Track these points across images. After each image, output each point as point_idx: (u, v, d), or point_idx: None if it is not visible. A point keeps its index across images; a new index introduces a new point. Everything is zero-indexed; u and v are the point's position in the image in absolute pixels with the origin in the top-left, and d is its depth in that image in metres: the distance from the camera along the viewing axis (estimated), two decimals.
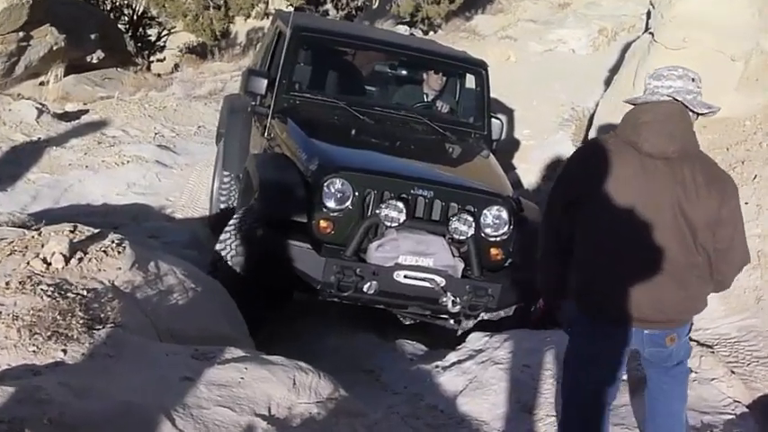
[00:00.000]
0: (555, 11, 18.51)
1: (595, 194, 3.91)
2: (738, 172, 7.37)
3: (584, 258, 4.03)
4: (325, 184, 6.36)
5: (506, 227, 6.59)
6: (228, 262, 6.46)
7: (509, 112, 12.26)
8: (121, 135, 12.65)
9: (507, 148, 10.87)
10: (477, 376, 5.73)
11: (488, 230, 6.57)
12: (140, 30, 24.79)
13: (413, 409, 5.46)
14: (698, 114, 3.97)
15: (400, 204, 6.28)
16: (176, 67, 23.39)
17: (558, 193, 4.17)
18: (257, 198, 6.58)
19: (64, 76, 17.39)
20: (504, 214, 6.59)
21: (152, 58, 24.52)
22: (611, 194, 3.89)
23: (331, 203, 6.37)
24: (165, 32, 26.11)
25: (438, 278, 6.28)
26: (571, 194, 4.04)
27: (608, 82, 10.85)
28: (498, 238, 6.60)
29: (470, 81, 8.50)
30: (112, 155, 11.58)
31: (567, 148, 10.43)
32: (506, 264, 6.71)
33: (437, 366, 6.08)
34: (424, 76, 8.36)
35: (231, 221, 6.70)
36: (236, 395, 4.28)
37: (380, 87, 8.84)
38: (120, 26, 23.06)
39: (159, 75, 20.76)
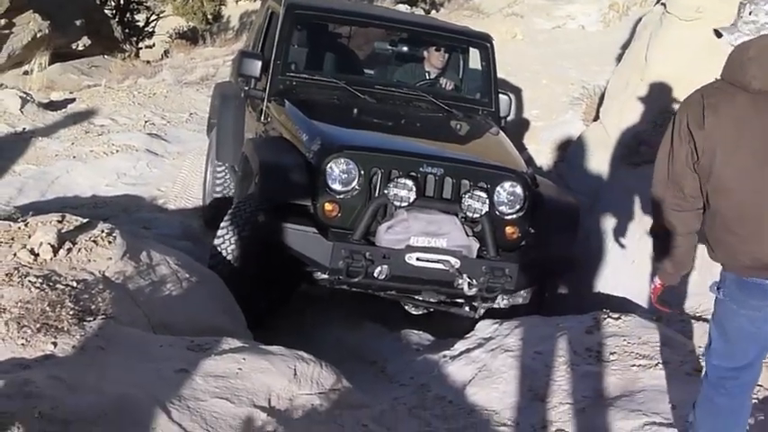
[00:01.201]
0: None
1: (713, 142, 3.80)
2: None
3: (716, 210, 3.89)
4: (329, 164, 6.26)
5: (521, 203, 6.51)
6: (229, 255, 6.41)
7: (517, 92, 12.21)
8: (110, 124, 12.67)
9: (516, 129, 10.85)
10: (486, 365, 5.71)
11: (503, 208, 6.48)
12: (128, 15, 24.87)
13: (420, 400, 5.46)
14: None
15: (410, 182, 6.19)
16: (166, 53, 23.44)
17: (673, 148, 3.96)
18: (257, 182, 6.48)
19: (49, 65, 17.46)
20: (519, 190, 6.50)
21: (141, 45, 24.61)
22: (728, 140, 3.78)
23: (336, 185, 6.26)
24: (153, 17, 26.13)
25: (452, 259, 6.19)
26: (688, 147, 3.89)
27: (620, 59, 10.81)
28: (513, 216, 6.51)
29: (474, 56, 8.45)
30: (101, 144, 11.59)
31: (577, 128, 10.44)
32: (522, 243, 6.65)
33: (445, 356, 6.06)
34: (425, 53, 8.29)
35: (229, 212, 6.64)
36: (234, 386, 4.31)
37: (380, 66, 8.80)
38: (106, 12, 23.10)
39: (148, 61, 20.82)
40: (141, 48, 24.49)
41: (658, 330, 5.80)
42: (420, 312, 7.02)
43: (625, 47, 10.75)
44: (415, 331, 7.02)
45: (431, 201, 6.35)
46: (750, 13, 3.82)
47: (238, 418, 4.12)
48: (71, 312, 4.46)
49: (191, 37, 25.37)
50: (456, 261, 6.19)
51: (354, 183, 6.28)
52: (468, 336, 6.30)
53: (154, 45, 25.26)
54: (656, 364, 5.37)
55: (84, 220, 5.64)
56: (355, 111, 7.42)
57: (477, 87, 8.34)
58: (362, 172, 6.28)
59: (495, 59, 8.25)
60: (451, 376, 5.77)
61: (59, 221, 5.47)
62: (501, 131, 7.77)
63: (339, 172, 6.27)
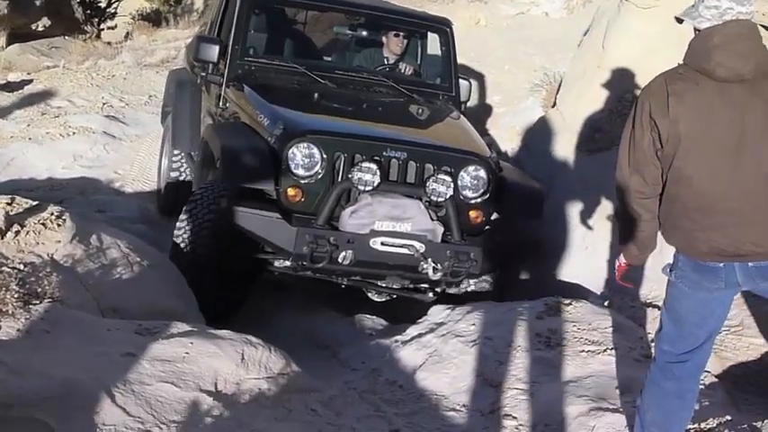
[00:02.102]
0: None
1: (677, 131, 3.84)
2: None
3: (675, 197, 3.95)
4: (292, 149, 6.21)
5: (485, 187, 6.51)
6: (190, 246, 6.34)
7: (480, 78, 12.28)
8: (67, 105, 12.59)
9: (478, 115, 10.90)
10: (437, 350, 5.75)
11: (467, 192, 6.47)
12: None
13: (371, 385, 5.49)
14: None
15: (374, 166, 6.16)
16: (128, 35, 23.23)
17: (635, 136, 4.00)
18: (219, 167, 6.45)
19: (7, 46, 17.27)
20: (483, 174, 6.50)
21: (102, 26, 24.38)
22: (693, 128, 3.82)
23: (299, 170, 6.21)
24: None
25: (417, 244, 6.18)
26: (650, 135, 3.93)
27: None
28: (477, 200, 6.51)
29: (434, 41, 8.47)
30: (57, 126, 11.52)
31: (536, 114, 10.45)
32: (486, 227, 6.68)
33: (397, 341, 6.08)
34: (384, 39, 8.25)
35: (189, 200, 6.56)
36: (180, 370, 4.32)
37: (340, 51, 8.79)
38: None
39: (109, 43, 20.65)
40: (103, 29, 24.27)
41: (609, 316, 5.87)
42: (383, 299, 7.00)
43: (586, 34, 10.80)
44: (369, 316, 7.05)
45: (395, 185, 6.33)
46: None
47: (184, 402, 4.13)
48: (16, 295, 4.44)
49: (154, 19, 25.19)
50: (421, 245, 6.19)
51: (317, 167, 6.23)
52: (420, 321, 6.34)
53: (116, 27, 25.03)
54: (606, 350, 5.44)
55: (34, 203, 5.61)
56: (316, 95, 7.35)
57: (437, 72, 8.36)
58: (325, 156, 6.24)
59: (454, 44, 8.25)
60: (403, 361, 5.79)
61: (8, 204, 5.43)
62: (462, 116, 7.78)
63: (302, 156, 6.22)
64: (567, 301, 6.04)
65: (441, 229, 6.29)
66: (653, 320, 5.90)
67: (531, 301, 6.24)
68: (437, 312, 6.33)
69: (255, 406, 4.38)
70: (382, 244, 6.16)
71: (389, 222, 6.17)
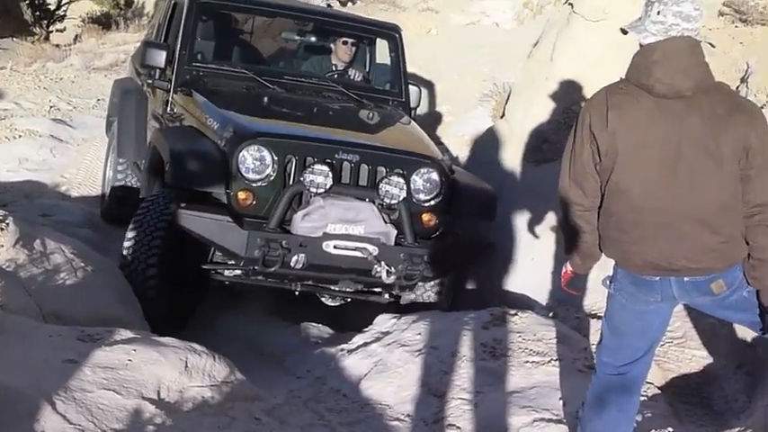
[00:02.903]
0: None
1: (615, 145, 3.86)
2: None
3: (612, 210, 3.97)
4: (243, 152, 6.14)
5: (438, 190, 6.51)
6: (140, 256, 6.15)
7: (430, 87, 12.31)
8: (14, 108, 12.48)
9: (428, 124, 10.89)
10: (382, 359, 5.75)
11: (420, 195, 6.47)
12: None
13: (315, 393, 5.48)
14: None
15: (326, 168, 6.10)
16: (77, 37, 23.02)
17: (575, 148, 4.02)
18: (168, 171, 6.28)
19: None
20: (436, 176, 6.50)
21: (51, 28, 24.14)
22: (630, 143, 3.84)
23: (250, 173, 6.14)
24: (65, 1, 25.64)
25: (370, 246, 6.14)
26: (590, 148, 3.94)
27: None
28: (430, 203, 6.51)
29: (382, 48, 8.45)
30: (3, 129, 11.43)
31: (485, 124, 10.48)
32: (439, 230, 6.65)
33: (342, 349, 6.07)
34: (332, 46, 8.23)
35: (138, 210, 6.39)
36: (122, 378, 4.28)
37: (287, 58, 8.75)
38: None
39: (58, 45, 20.44)
40: (52, 31, 24.04)
41: (554, 327, 5.91)
42: (338, 303, 6.95)
43: (536, 45, 10.87)
44: (314, 324, 7.03)
45: (347, 188, 6.29)
46: (658, 13, 3.86)
47: (125, 409, 4.10)
48: None
49: (104, 22, 24.95)
50: (374, 248, 6.15)
51: (268, 170, 6.17)
52: (366, 330, 6.33)
53: (65, 29, 24.77)
54: (550, 361, 5.47)
55: None
56: (265, 100, 7.17)
57: (386, 78, 8.34)
58: (276, 159, 6.18)
59: (404, 50, 8.26)
60: (348, 369, 5.79)
61: None
62: (413, 121, 7.79)
63: (252, 159, 6.15)
64: (513, 312, 6.07)
65: (394, 232, 6.24)
66: (596, 332, 5.91)
67: (476, 310, 6.25)
68: (383, 321, 6.33)
69: (198, 414, 4.36)
70: (335, 247, 6.11)
71: (342, 225, 6.12)
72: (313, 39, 8.51)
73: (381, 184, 6.25)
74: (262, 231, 6.04)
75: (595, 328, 6.05)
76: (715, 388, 5.52)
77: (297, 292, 6.65)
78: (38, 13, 23.55)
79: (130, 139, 8.44)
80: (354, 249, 6.15)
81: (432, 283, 6.92)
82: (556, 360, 5.49)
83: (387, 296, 6.81)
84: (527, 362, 5.49)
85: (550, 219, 7.26)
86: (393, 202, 6.25)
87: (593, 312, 6.50)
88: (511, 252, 7.60)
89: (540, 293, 7.15)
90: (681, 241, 3.84)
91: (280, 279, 6.45)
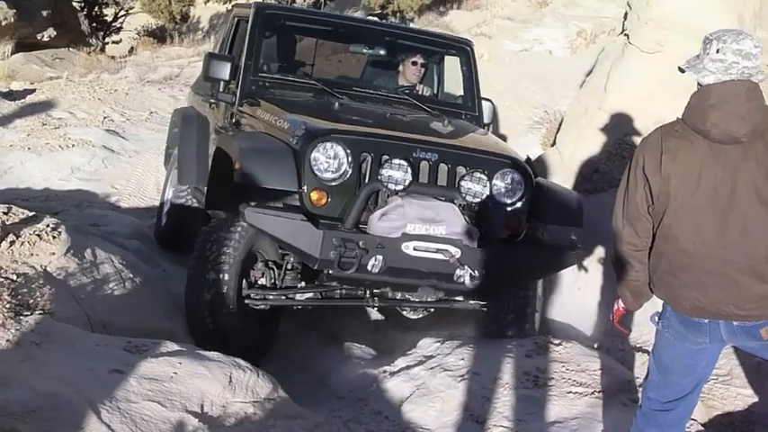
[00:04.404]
0: (533, 9, 18.66)
1: (667, 189, 3.87)
2: None
3: (662, 252, 3.98)
4: (316, 148, 5.82)
5: (522, 192, 6.16)
6: (211, 274, 5.82)
7: None
8: (68, 117, 12.63)
9: None
10: (425, 382, 5.73)
11: (502, 197, 6.13)
12: (96, 9, 24.67)
13: (356, 414, 5.47)
14: None
15: (404, 163, 5.82)
16: (132, 49, 23.31)
17: (629, 189, 4.04)
18: (236, 169, 5.87)
19: (12, 54, 17.30)
20: (519, 177, 6.16)
21: (107, 40, 24.48)
22: (682, 188, 3.84)
23: (323, 171, 5.83)
24: (122, 13, 25.99)
25: (452, 248, 5.70)
26: (643, 190, 3.96)
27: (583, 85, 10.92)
28: (514, 206, 6.16)
29: (450, 66, 8.23)
30: (57, 137, 11.56)
31: (535, 151, 10.48)
32: (522, 236, 6.28)
33: (385, 371, 6.06)
34: (400, 67, 7.90)
35: (207, 227, 6.22)
36: (167, 390, 4.31)
37: (354, 71, 8.49)
38: (74, 4, 22.92)
39: (113, 57, 20.70)
40: (108, 43, 24.37)
41: (598, 358, 5.86)
42: (419, 316, 6.60)
43: (589, 74, 10.85)
44: (358, 345, 7.00)
45: (426, 187, 5.96)
46: (717, 51, 3.83)
47: (169, 422, 4.12)
48: (8, 306, 4.44)
49: (159, 35, 25.27)
50: (456, 250, 5.71)
51: (343, 169, 5.86)
52: (409, 352, 6.30)
53: (121, 41, 25.12)
54: (593, 392, 5.43)
55: (31, 213, 5.63)
56: (336, 106, 6.89)
57: (459, 92, 8.08)
58: (351, 157, 5.87)
59: (476, 63, 8.06)
60: (390, 392, 5.78)
61: (5, 213, 5.46)
62: (489, 132, 7.57)
63: (326, 157, 5.84)
64: (557, 341, 6.04)
65: (477, 234, 5.84)
66: (641, 365, 5.91)
67: (520, 338, 6.22)
68: (426, 345, 6.30)
69: (240, 429, 4.38)
70: (415, 249, 5.68)
71: (422, 225, 5.72)
72: (382, 52, 8.08)
73: (463, 182, 5.96)
74: (337, 231, 5.66)
75: (640, 361, 6.02)
76: (759, 427, 5.46)
77: (375, 308, 6.46)
78: (94, 24, 23.88)
79: (192, 164, 8.11)
80: (435, 251, 5.71)
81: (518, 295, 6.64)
82: (599, 392, 5.45)
83: (471, 302, 6.42)
84: (569, 392, 5.45)
85: (599, 250, 7.22)
86: (475, 200, 5.97)
87: (638, 345, 6.46)
88: (557, 281, 7.56)
89: (585, 324, 7.09)
90: (730, 288, 3.81)
91: (355, 286, 6.12)
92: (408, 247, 5.67)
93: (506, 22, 17.65)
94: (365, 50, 8.11)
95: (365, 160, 5.92)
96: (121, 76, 16.25)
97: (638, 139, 7.98)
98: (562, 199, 6.66)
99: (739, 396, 5.72)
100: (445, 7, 21.76)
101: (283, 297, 6.11)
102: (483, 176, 5.98)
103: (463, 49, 8.14)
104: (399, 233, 5.66)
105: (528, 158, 6.75)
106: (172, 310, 5.90)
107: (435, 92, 8.32)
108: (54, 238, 5.37)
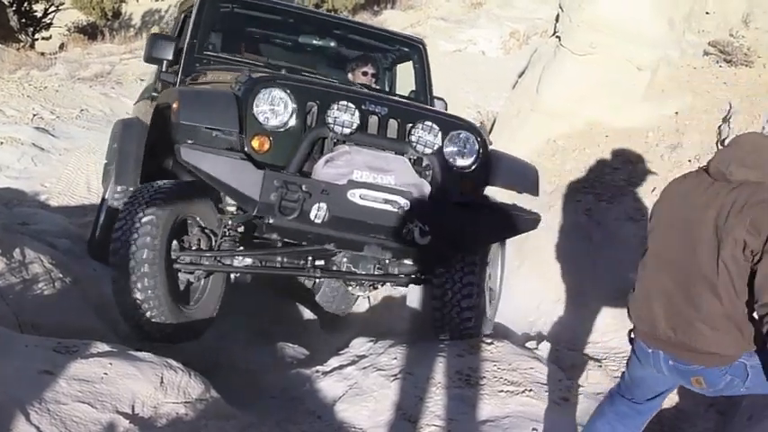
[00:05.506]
0: (467, 10, 18.74)
1: (654, 215, 4.11)
2: (638, 184, 7.59)
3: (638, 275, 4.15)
4: (260, 92, 5.47)
5: (476, 154, 5.85)
6: (138, 231, 5.37)
7: None
8: None
9: None
10: (358, 382, 5.74)
11: (455, 159, 5.82)
12: (25, 4, 24.30)
13: (289, 414, 5.46)
14: None
15: (352, 106, 5.47)
16: (63, 46, 23.02)
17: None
18: (175, 110, 5.49)
19: None
20: (473, 139, 5.84)
21: (37, 36, 24.14)
22: (663, 213, 4.03)
23: (267, 118, 5.46)
24: (52, 8, 25.64)
25: (401, 200, 5.41)
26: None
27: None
28: (468, 168, 5.85)
29: (406, 67, 8.08)
30: None
31: None
32: (474, 198, 5.94)
33: (317, 371, 6.06)
34: (350, 75, 7.43)
35: (126, 200, 5.70)
36: (98, 391, 4.26)
37: (304, 61, 7.95)
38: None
39: (43, 53, 20.43)
40: (37, 39, 24.05)
41: (529, 357, 5.92)
42: (366, 293, 6.54)
43: (522, 75, 10.95)
44: (290, 345, 7.02)
45: (375, 138, 5.65)
46: None
47: (100, 423, 4.08)
48: None
49: (90, 32, 24.99)
50: (405, 202, 5.43)
51: (287, 116, 5.50)
52: (342, 352, 6.32)
53: (51, 37, 24.79)
54: (524, 391, 5.47)
55: None
56: (283, 71, 6.45)
57: (411, 91, 7.85)
58: (296, 104, 5.51)
59: (428, 63, 7.96)
60: (323, 391, 5.78)
61: None
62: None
63: (270, 103, 5.48)
64: (488, 340, 6.08)
65: (428, 187, 5.59)
66: (572, 366, 5.99)
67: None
68: (359, 344, 6.32)
69: (172, 430, 4.35)
70: (361, 197, 5.36)
71: (370, 173, 5.45)
72: (332, 44, 7.83)
73: (414, 131, 5.64)
74: (279, 173, 5.32)
75: (571, 361, 6.09)
76: (687, 426, 5.56)
77: (318, 279, 6.19)
78: (24, 20, 23.52)
79: (129, 165, 7.63)
80: (383, 202, 5.41)
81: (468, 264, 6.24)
82: (530, 390, 5.49)
83: (420, 275, 6.26)
84: (501, 391, 5.49)
85: (527, 248, 7.30)
86: (427, 151, 5.67)
87: (569, 346, 6.54)
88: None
89: (517, 324, 7.17)
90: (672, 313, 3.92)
91: (297, 238, 5.75)
92: (354, 195, 5.37)
93: (440, 22, 17.74)
94: (315, 41, 7.84)
95: (311, 110, 5.59)
96: (51, 72, 16.04)
97: (569, 141, 8.11)
98: (518, 166, 6.44)
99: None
100: (379, 7, 21.82)
101: (218, 262, 5.81)
102: (435, 126, 5.68)
103: (416, 47, 8.06)
104: (345, 180, 5.38)
105: (482, 124, 6.62)
106: (102, 310, 5.83)
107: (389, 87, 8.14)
108: None
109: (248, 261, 5.87)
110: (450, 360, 5.82)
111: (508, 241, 6.95)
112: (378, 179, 5.45)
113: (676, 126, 8.14)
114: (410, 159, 5.65)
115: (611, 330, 6.58)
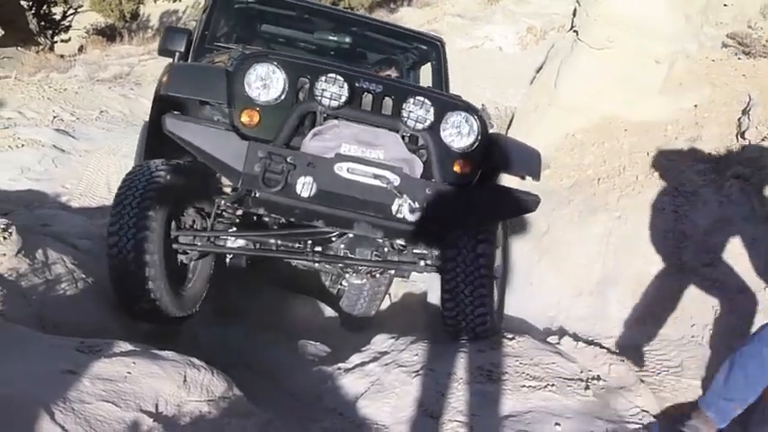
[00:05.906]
0: (483, 6, 18.72)
1: None
2: (657, 177, 7.55)
3: None
4: (252, 67, 5.39)
5: (474, 136, 5.64)
6: (136, 212, 5.42)
7: None
8: (17, 117, 12.51)
9: None
10: (379, 379, 5.75)
11: (452, 140, 5.62)
12: (44, 7, 24.41)
13: (311, 411, 5.48)
14: None
15: (341, 78, 5.35)
16: (82, 48, 23.12)
17: None
18: (164, 82, 5.48)
19: None
20: (472, 120, 5.65)
21: (56, 38, 24.26)
22: None
23: (256, 91, 5.37)
24: (71, 11, 25.74)
25: (391, 175, 5.31)
26: None
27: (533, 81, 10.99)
28: (465, 150, 5.65)
29: (425, 59, 8.08)
30: (6, 137, 11.45)
31: None
32: (473, 182, 5.75)
33: (339, 368, 6.08)
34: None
35: (121, 185, 5.73)
36: (121, 390, 4.27)
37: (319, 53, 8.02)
38: (22, 3, 22.67)
39: (62, 56, 20.52)
40: (56, 41, 24.17)
41: (551, 352, 5.91)
42: (363, 281, 6.48)
43: (539, 71, 10.92)
44: (312, 342, 7.03)
45: (367, 113, 5.53)
46: None
47: (123, 422, 4.09)
48: None
49: (108, 34, 25.10)
50: (395, 177, 5.33)
51: (278, 92, 5.39)
52: (363, 349, 6.33)
53: (69, 39, 24.92)
54: (546, 386, 5.46)
55: None
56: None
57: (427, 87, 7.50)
58: (287, 79, 5.40)
59: (447, 61, 7.93)
60: (344, 389, 5.79)
61: None
62: None
63: (260, 76, 5.39)
64: (510, 336, 6.07)
65: (419, 163, 5.50)
66: (592, 359, 5.96)
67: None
68: (381, 341, 6.33)
69: (195, 429, 4.35)
70: (349, 171, 5.28)
71: (358, 147, 5.38)
72: (347, 40, 7.83)
73: (405, 105, 5.50)
74: (264, 145, 5.26)
75: (592, 354, 6.07)
76: None
77: (316, 264, 6.13)
78: (43, 23, 23.62)
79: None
80: (372, 177, 5.32)
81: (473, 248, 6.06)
82: (552, 385, 5.49)
83: (423, 263, 6.16)
84: (523, 386, 5.48)
85: (546, 243, 7.28)
86: (419, 126, 5.51)
87: (590, 339, 6.52)
88: (510, 275, 7.61)
89: (537, 319, 7.15)
90: None
91: (283, 214, 5.63)
92: (342, 169, 5.29)
93: (457, 19, 17.73)
94: (330, 38, 7.83)
95: (303, 86, 5.50)
96: (71, 74, 16.11)
97: (587, 135, 8.08)
98: (520, 149, 6.23)
99: (690, 387, 5.78)
100: (396, 4, 21.82)
101: (212, 243, 5.84)
102: (426, 101, 5.51)
103: (434, 45, 8.03)
104: (333, 153, 5.31)
105: (483, 106, 6.53)
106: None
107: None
108: (4, 238, 5.31)
109: (241, 242, 5.85)
110: (471, 356, 5.82)
111: (526, 236, 6.96)
112: (366, 153, 5.39)
113: (695, 119, 8.09)
114: (404, 137, 5.53)
115: (632, 324, 6.56)
